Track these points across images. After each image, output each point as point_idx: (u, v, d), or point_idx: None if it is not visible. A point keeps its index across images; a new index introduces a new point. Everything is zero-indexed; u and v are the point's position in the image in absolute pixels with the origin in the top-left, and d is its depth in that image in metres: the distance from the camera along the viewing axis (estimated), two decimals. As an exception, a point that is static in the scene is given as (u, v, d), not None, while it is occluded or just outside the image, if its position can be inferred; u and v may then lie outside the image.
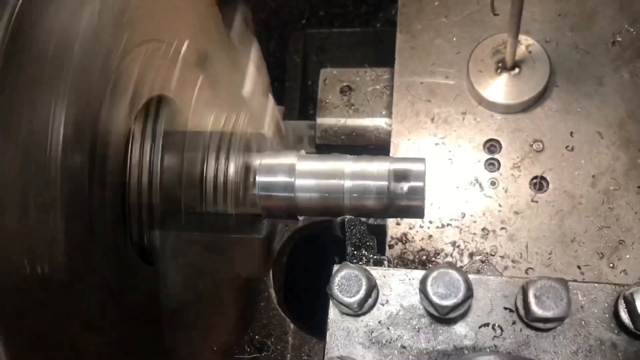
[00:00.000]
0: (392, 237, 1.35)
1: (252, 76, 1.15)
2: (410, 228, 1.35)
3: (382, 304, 0.74)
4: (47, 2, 0.62)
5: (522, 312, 0.70)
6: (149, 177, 0.83)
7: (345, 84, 1.60)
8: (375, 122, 1.56)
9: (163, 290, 0.89)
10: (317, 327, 1.49)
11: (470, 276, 0.70)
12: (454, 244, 1.33)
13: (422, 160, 0.93)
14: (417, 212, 0.92)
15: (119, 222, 0.82)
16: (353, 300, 0.71)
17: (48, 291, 0.65)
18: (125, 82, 0.76)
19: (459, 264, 1.32)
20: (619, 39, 1.40)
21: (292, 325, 1.47)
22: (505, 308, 0.72)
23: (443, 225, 1.35)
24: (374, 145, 1.57)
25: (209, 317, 1.02)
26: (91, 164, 0.71)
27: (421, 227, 1.35)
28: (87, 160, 0.70)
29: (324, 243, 1.52)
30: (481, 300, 0.72)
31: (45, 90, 0.64)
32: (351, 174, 0.93)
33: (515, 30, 1.27)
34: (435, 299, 0.67)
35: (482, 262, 0.93)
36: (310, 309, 1.66)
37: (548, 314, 0.65)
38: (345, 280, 0.72)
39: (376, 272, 0.75)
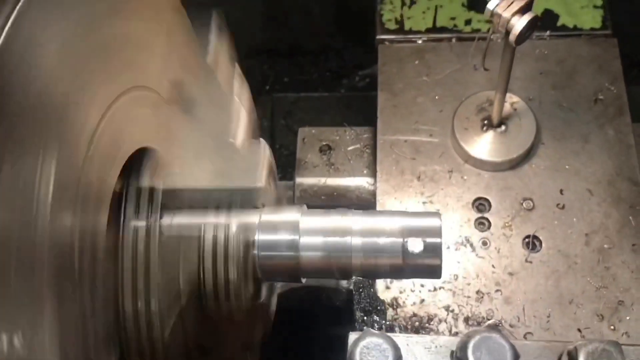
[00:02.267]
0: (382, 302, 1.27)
1: (238, 117, 1.08)
2: (401, 292, 1.27)
3: (407, 376, 0.66)
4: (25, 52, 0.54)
5: (569, 379, 0.62)
6: (145, 241, 0.74)
7: (324, 143, 1.54)
8: (356, 181, 1.50)
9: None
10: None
11: (506, 341, 0.62)
12: (447, 308, 1.26)
13: (437, 214, 0.87)
14: (434, 271, 0.84)
15: (110, 290, 0.72)
16: (379, 372, 0.62)
17: None
18: (110, 135, 0.68)
19: (454, 330, 1.24)
20: (601, 97, 1.41)
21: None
22: (547, 376, 0.64)
23: (435, 289, 1.28)
24: (356, 206, 1.50)
25: None
26: (80, 225, 0.62)
27: (412, 290, 1.28)
28: (76, 222, 0.61)
29: (309, 313, 1.41)
30: (518, 368, 0.65)
31: (30, 143, 0.55)
32: (361, 230, 0.85)
33: (504, 87, 1.25)
34: (479, 369, 0.59)
35: (495, 326, 0.85)
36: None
37: (604, 381, 0.58)
38: (368, 350, 0.63)
39: (398, 339, 0.67)
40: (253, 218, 0.89)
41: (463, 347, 0.61)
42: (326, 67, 2.40)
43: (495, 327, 0.60)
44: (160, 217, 0.76)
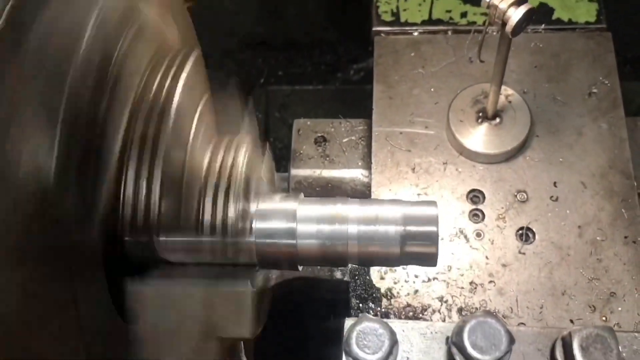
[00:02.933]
0: (376, 293, 1.27)
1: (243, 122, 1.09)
2: (395, 282, 1.28)
3: (403, 362, 0.66)
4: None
5: (563, 365, 0.63)
6: (144, 218, 0.73)
7: (319, 135, 1.54)
8: (351, 173, 1.50)
9: (138, 351, 0.79)
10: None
11: (502, 327, 0.63)
12: (441, 299, 1.27)
13: (433, 203, 0.87)
14: (429, 259, 0.85)
15: (100, 270, 0.72)
16: (375, 358, 0.63)
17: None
18: (118, 113, 0.68)
19: (447, 321, 1.25)
20: (595, 90, 1.41)
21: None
22: (541, 362, 0.65)
23: (429, 279, 1.28)
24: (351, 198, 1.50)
25: None
26: (81, 205, 0.62)
27: (406, 281, 1.28)
28: (78, 201, 0.61)
29: (299, 302, 1.42)
30: (513, 354, 0.65)
31: (37, 119, 0.55)
32: (358, 218, 0.86)
33: (499, 79, 1.25)
34: (474, 353, 0.59)
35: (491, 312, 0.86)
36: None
37: (598, 366, 0.59)
38: (364, 335, 0.63)
39: (394, 324, 0.67)
40: (251, 205, 0.89)
41: (459, 331, 0.61)
42: (321, 61, 2.40)
43: (491, 313, 0.60)
44: (160, 200, 0.76)
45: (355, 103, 2.00)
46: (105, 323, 0.75)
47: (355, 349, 0.63)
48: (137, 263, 0.77)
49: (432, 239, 0.83)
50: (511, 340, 0.60)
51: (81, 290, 0.67)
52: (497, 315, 0.77)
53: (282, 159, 2.00)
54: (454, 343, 0.62)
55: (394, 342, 0.64)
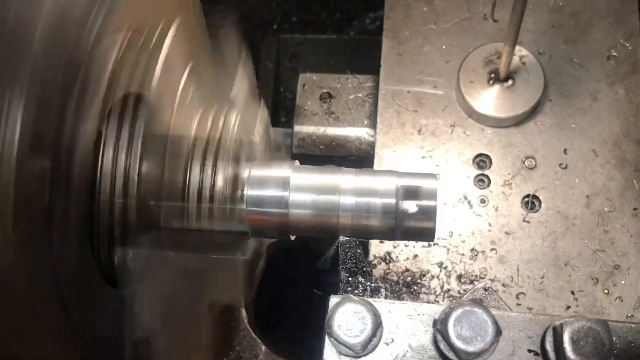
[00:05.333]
0: (375, 256, 1.26)
1: (237, 73, 1.04)
2: (395, 247, 1.26)
3: (387, 344, 0.64)
4: None
5: (552, 356, 0.61)
6: (123, 187, 0.71)
7: (325, 91, 1.50)
8: (356, 131, 1.46)
9: (130, 316, 0.78)
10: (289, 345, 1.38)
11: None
12: (440, 264, 1.25)
13: (434, 176, 0.83)
14: (427, 234, 0.82)
15: (83, 237, 0.70)
16: (357, 341, 0.61)
17: None
18: (97, 74, 0.65)
19: (446, 287, 1.23)
20: (614, 53, 1.34)
21: (263, 348, 1.35)
22: (530, 350, 0.62)
23: (429, 245, 1.26)
24: (355, 157, 1.47)
25: (182, 350, 0.91)
26: (53, 170, 0.60)
27: (406, 246, 1.26)
28: (49, 165, 0.59)
29: (298, 259, 1.41)
30: (501, 340, 0.63)
31: None
32: (354, 189, 0.82)
33: (513, 39, 1.19)
34: (458, 344, 0.57)
35: (485, 290, 0.84)
36: (283, 329, 1.55)
37: (587, 361, 0.56)
38: (347, 317, 0.61)
39: (380, 305, 0.65)
40: (243, 172, 0.86)
41: (444, 320, 0.59)
42: (337, 7, 2.32)
43: (480, 301, 0.58)
44: (140, 165, 0.74)
45: (369, 54, 1.94)
46: (89, 288, 0.74)
47: (336, 330, 0.61)
48: (122, 228, 0.75)
49: (430, 214, 0.80)
50: (498, 332, 0.57)
51: (63, 254, 0.66)
52: (492, 293, 0.74)
53: (292, 111, 1.96)
54: (439, 330, 0.60)
55: (377, 325, 0.62)
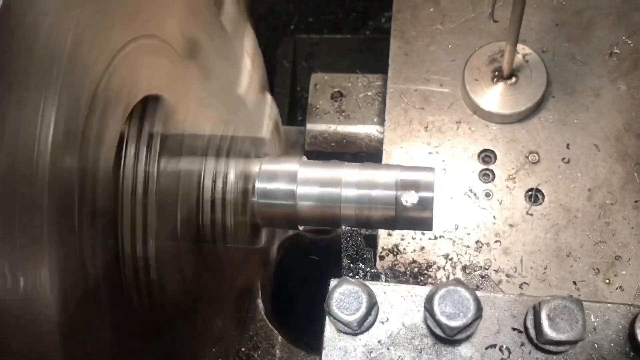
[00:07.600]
0: (383, 248, 1.31)
1: (247, 70, 1.09)
2: (402, 239, 1.31)
3: (382, 322, 0.70)
4: None
5: (532, 333, 0.66)
6: (144, 184, 0.77)
7: (336, 90, 1.56)
8: (366, 129, 1.52)
9: (156, 301, 0.84)
10: (307, 338, 1.44)
11: (477, 293, 0.66)
12: (446, 256, 1.30)
13: (431, 169, 0.89)
14: (425, 224, 0.87)
15: (109, 232, 0.76)
16: (352, 318, 0.66)
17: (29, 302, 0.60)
18: (117, 81, 0.71)
19: (451, 278, 1.28)
20: (617, 50, 1.38)
21: (280, 338, 1.41)
22: (514, 329, 0.68)
23: (436, 237, 1.31)
24: (365, 153, 1.53)
25: (207, 326, 0.97)
26: (82, 168, 0.66)
27: (413, 238, 1.31)
28: (77, 163, 0.65)
29: (315, 252, 1.47)
30: (488, 319, 0.68)
31: (35, 86, 0.58)
32: (357, 182, 0.89)
33: (514, 38, 1.23)
34: (442, 319, 0.63)
35: (482, 277, 0.88)
36: (300, 320, 1.61)
37: (562, 336, 0.61)
38: (344, 297, 0.67)
39: (376, 287, 0.70)
40: (254, 167, 0.93)
41: (430, 299, 0.64)
42: (352, 7, 2.36)
43: (462, 282, 0.63)
44: (159, 162, 0.80)
45: (385, 53, 1.98)
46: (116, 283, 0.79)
47: (334, 309, 0.67)
48: (144, 222, 0.81)
49: (427, 204, 0.86)
50: (479, 308, 0.62)
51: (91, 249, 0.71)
52: (467, 284, 0.79)
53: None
54: (426, 309, 0.65)
55: (372, 304, 0.68)
